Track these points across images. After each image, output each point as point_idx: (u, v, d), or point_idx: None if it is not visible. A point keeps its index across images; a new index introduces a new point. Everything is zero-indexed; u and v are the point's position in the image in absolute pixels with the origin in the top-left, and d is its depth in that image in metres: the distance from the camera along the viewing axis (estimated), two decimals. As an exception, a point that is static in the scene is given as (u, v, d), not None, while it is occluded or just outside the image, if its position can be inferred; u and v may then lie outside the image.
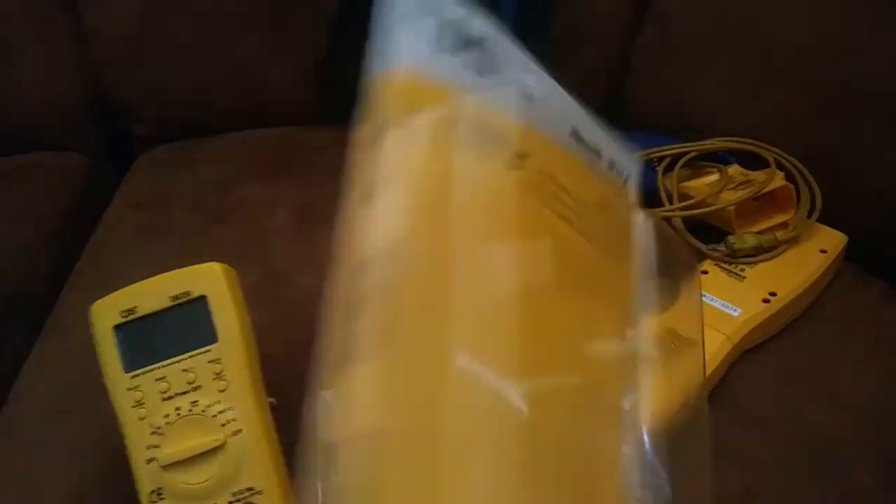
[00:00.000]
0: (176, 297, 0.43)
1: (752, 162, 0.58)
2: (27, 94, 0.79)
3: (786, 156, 0.57)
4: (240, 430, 0.42)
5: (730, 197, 0.54)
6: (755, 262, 0.52)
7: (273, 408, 0.48)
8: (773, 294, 0.50)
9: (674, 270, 0.40)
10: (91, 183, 0.80)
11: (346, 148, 0.78)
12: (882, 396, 0.48)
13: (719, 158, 0.60)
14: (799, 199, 0.55)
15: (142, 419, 0.42)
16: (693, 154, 0.60)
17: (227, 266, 0.44)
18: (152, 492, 0.42)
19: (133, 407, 0.42)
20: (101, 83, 0.79)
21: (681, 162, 0.59)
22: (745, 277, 0.52)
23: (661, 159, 0.60)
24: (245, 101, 0.78)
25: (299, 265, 0.59)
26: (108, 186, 0.78)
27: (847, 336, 0.51)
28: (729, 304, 0.50)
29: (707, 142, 0.60)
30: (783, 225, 0.55)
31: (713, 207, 0.53)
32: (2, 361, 0.62)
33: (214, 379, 0.42)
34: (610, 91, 0.71)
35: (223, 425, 0.42)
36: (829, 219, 0.55)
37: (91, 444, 0.49)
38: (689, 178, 0.59)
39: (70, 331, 0.61)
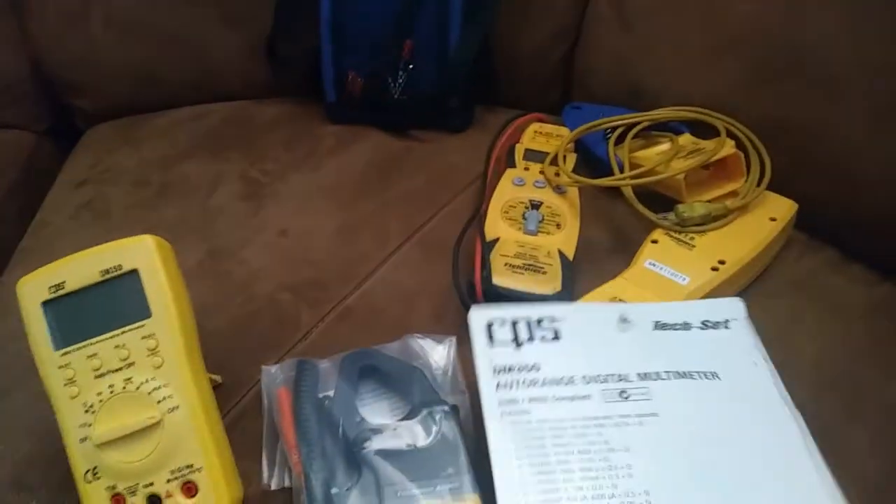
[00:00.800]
0: (106, 272, 0.42)
1: (705, 132, 0.58)
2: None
3: (736, 124, 0.57)
4: (176, 407, 0.41)
5: (679, 165, 0.53)
6: (705, 231, 0.52)
7: (217, 385, 0.47)
8: (722, 262, 0.50)
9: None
10: (36, 160, 0.78)
11: (293, 123, 0.77)
12: (827, 362, 0.48)
13: (671, 128, 0.59)
14: (749, 167, 0.55)
15: (74, 398, 0.41)
16: (645, 124, 0.59)
17: (160, 239, 0.43)
18: (87, 471, 0.41)
19: (65, 385, 0.41)
20: (41, 58, 0.76)
21: (632, 132, 0.58)
22: (694, 246, 0.51)
23: (612, 130, 0.59)
24: (191, 77, 0.76)
25: (244, 242, 0.58)
26: (52, 164, 0.76)
27: (796, 303, 0.51)
28: (678, 273, 0.49)
29: (658, 111, 0.60)
30: (733, 194, 0.55)
31: (663, 176, 0.53)
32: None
33: (149, 355, 0.41)
34: (563, 61, 0.71)
35: (159, 402, 0.40)
36: (779, 187, 0.55)
37: (32, 423, 0.48)
38: (641, 149, 0.58)
39: (11, 311, 0.59)
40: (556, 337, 0.43)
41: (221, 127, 0.72)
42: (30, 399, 0.45)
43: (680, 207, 0.52)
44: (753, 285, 0.52)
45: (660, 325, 0.43)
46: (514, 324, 0.43)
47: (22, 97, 0.79)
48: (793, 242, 0.56)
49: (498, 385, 0.41)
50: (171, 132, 0.73)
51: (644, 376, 0.41)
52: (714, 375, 0.41)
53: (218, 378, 0.48)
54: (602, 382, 0.41)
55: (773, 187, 0.55)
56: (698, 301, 0.46)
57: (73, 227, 0.64)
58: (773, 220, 0.53)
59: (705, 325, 0.43)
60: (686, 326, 0.43)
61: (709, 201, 0.53)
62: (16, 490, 0.47)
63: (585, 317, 0.44)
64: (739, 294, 0.50)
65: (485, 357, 0.42)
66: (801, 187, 0.55)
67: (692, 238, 0.52)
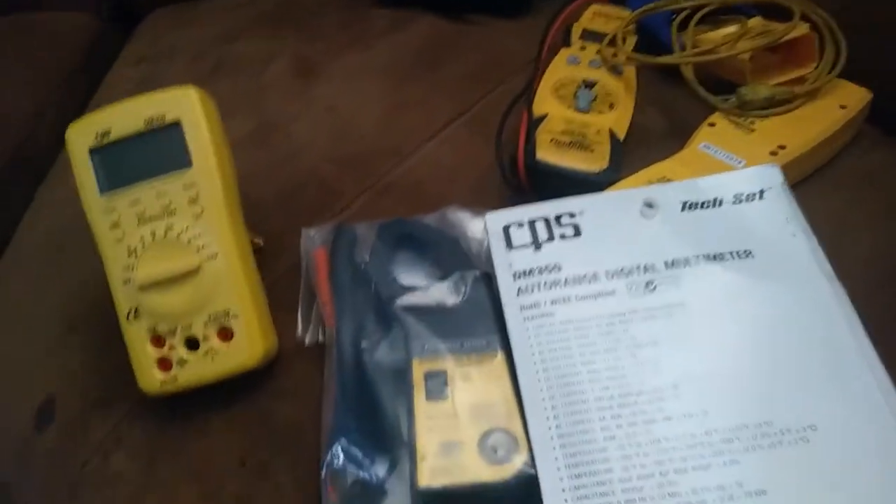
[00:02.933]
0: (150, 121, 0.42)
1: (778, 17, 0.54)
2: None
3: (813, 7, 0.53)
4: (215, 255, 0.42)
5: (745, 45, 0.50)
6: (767, 115, 0.49)
7: (258, 248, 0.48)
8: (781, 147, 0.47)
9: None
10: (96, 43, 0.79)
11: (347, 5, 0.75)
12: (882, 259, 0.45)
13: (742, 12, 0.55)
14: (823, 54, 0.51)
15: (118, 241, 0.42)
16: (713, 6, 0.55)
17: (203, 91, 0.43)
18: (129, 311, 0.42)
19: (110, 229, 0.42)
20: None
21: (699, 14, 0.55)
22: (753, 130, 0.48)
23: (677, 12, 0.56)
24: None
25: (294, 117, 0.58)
26: (112, 48, 0.77)
27: (856, 196, 0.48)
28: (734, 156, 0.47)
29: (729, -7, 0.56)
30: (801, 80, 0.51)
31: (726, 54, 0.49)
32: (8, 207, 0.64)
33: (189, 204, 0.42)
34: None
35: (198, 250, 0.42)
36: (853, 76, 0.51)
37: (86, 276, 0.50)
38: (707, 32, 0.55)
39: (69, 180, 0.61)
40: (577, 233, 0.41)
41: (276, 9, 0.72)
42: (85, 256, 0.47)
43: (742, 89, 0.49)
44: (813, 176, 0.49)
45: (688, 206, 0.41)
46: (533, 224, 0.42)
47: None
48: (863, 136, 0.52)
49: (519, 290, 0.40)
50: (226, 14, 0.73)
51: (671, 264, 0.39)
52: (747, 254, 0.39)
53: (260, 241, 0.49)
54: (627, 276, 0.39)
55: (846, 76, 0.51)
56: (729, 173, 0.43)
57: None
58: (842, 107, 0.49)
59: (738, 198, 0.41)
60: (717, 203, 0.41)
61: (774, 86, 0.50)
62: (67, 332, 0.50)
63: (607, 207, 0.42)
64: (797, 185, 0.48)
65: (504, 262, 0.41)
66: (879, 78, 0.51)
67: (752, 122, 0.49)
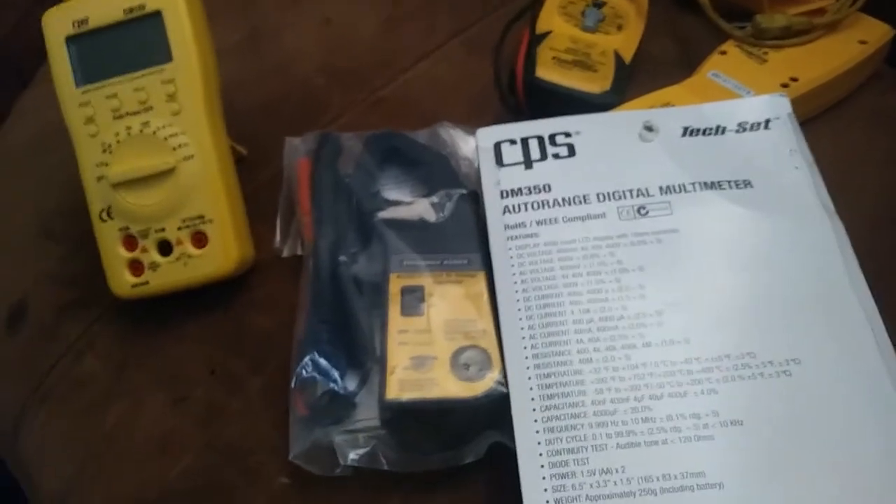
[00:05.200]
0: (130, 10, 0.40)
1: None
2: None
3: (841, -65, 0.49)
4: (191, 157, 0.40)
5: (765, -30, 0.47)
6: (781, 46, 0.46)
7: (241, 158, 0.47)
8: (794, 79, 0.44)
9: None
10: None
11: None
12: (890, 200, 0.43)
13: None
14: (846, -15, 0.48)
15: (93, 136, 0.41)
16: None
17: (184, -18, 0.41)
18: (102, 210, 0.41)
19: (84, 124, 0.41)
20: None
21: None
22: (766, 61, 0.46)
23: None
24: None
25: (285, 26, 0.56)
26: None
27: (869, 137, 0.46)
28: (742, 86, 0.44)
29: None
30: (821, 11, 0.48)
31: (742, -22, 0.47)
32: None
33: (167, 101, 0.40)
34: None
35: (174, 149, 0.40)
36: (876, 11, 0.48)
37: (63, 179, 0.48)
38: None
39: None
40: (572, 153, 0.39)
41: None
42: (67, 158, 0.45)
43: (759, 17, 0.47)
44: (824, 113, 0.47)
45: (689, 132, 0.39)
46: (525, 142, 0.40)
47: None
48: (883, 76, 0.49)
49: (505, 209, 0.38)
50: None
51: (666, 190, 0.37)
52: (746, 184, 0.37)
53: (243, 150, 0.47)
54: (619, 199, 0.37)
55: (869, 10, 0.48)
56: (734, 100, 0.41)
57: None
58: (862, 42, 0.47)
59: (742, 127, 0.39)
60: (719, 130, 0.39)
61: (792, 16, 0.47)
62: (42, 236, 0.48)
63: (604, 128, 0.40)
64: (807, 121, 0.45)
65: (492, 180, 0.39)
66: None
67: (765, 52, 0.46)
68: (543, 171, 0.39)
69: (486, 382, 0.33)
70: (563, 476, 0.30)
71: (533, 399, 0.32)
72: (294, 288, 0.40)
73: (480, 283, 0.36)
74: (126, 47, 0.40)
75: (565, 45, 0.46)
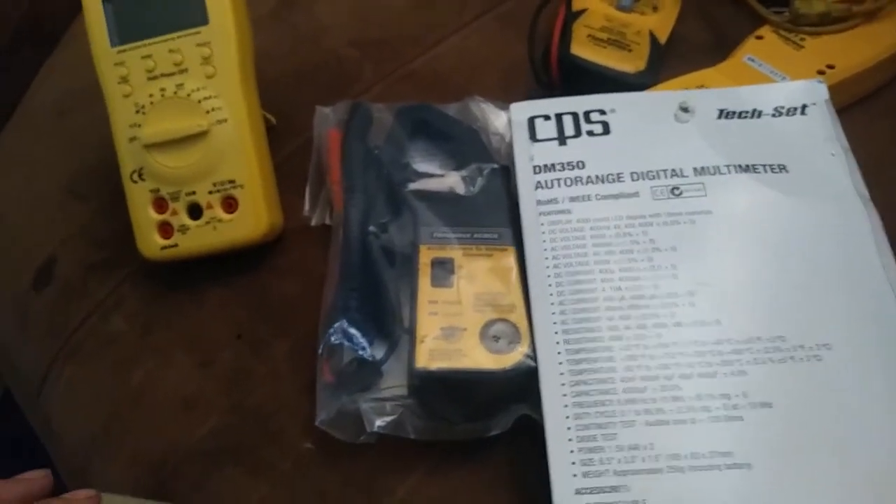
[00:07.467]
0: (167, -29, 0.40)
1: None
2: None
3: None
4: (224, 120, 0.40)
5: (806, -46, 0.46)
6: (819, 33, 0.46)
7: (271, 126, 0.47)
8: (830, 66, 0.44)
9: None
10: None
11: None
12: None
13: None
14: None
15: (126, 96, 0.41)
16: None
17: (224, -55, 0.40)
18: (134, 171, 0.41)
19: (118, 83, 0.41)
20: None
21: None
22: (803, 47, 0.45)
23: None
24: None
25: (318, -3, 0.55)
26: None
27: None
28: (778, 72, 0.44)
29: None
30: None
31: (784, -38, 0.46)
32: (20, 72, 0.62)
33: (202, 64, 0.40)
34: None
35: (208, 112, 0.40)
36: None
37: (92, 139, 0.49)
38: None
39: (83, 45, 0.60)
40: (606, 131, 0.39)
41: None
42: (92, 119, 0.45)
43: (797, 2, 0.46)
44: (860, 102, 0.46)
45: (725, 114, 0.39)
46: (560, 118, 0.40)
47: None
48: (920, 67, 0.49)
49: (537, 184, 0.38)
50: None
51: (701, 171, 0.37)
52: (781, 168, 0.37)
53: (272, 119, 0.47)
54: (653, 179, 0.37)
55: (911, 0, 0.48)
56: (772, 84, 0.41)
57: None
58: (901, 32, 0.46)
59: (778, 111, 0.39)
60: (755, 114, 0.39)
61: (832, 2, 0.47)
62: (71, 196, 0.49)
63: (640, 107, 0.40)
64: (843, 110, 0.45)
65: (525, 155, 0.39)
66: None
67: (802, 39, 0.46)
68: (577, 148, 0.39)
69: (516, 356, 0.33)
70: (591, 451, 0.30)
71: (562, 374, 0.32)
72: (322, 256, 0.40)
73: (510, 258, 0.36)
74: (162, 8, 0.40)
75: (600, 24, 0.46)
